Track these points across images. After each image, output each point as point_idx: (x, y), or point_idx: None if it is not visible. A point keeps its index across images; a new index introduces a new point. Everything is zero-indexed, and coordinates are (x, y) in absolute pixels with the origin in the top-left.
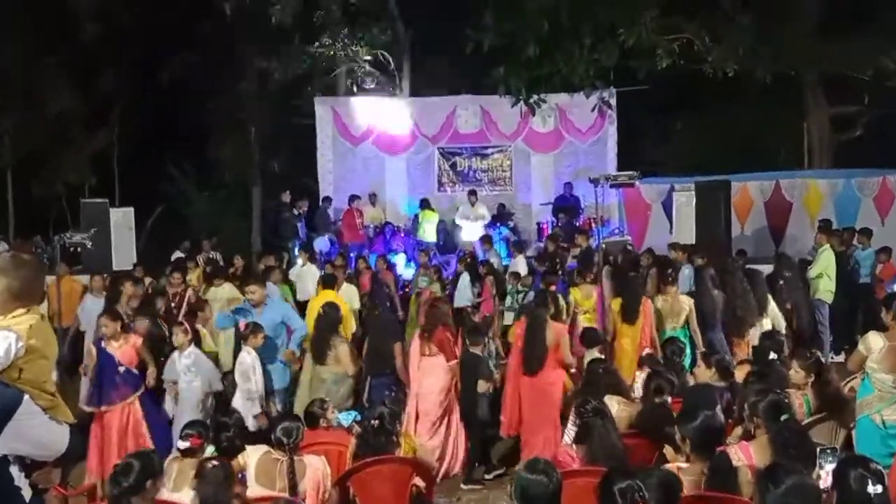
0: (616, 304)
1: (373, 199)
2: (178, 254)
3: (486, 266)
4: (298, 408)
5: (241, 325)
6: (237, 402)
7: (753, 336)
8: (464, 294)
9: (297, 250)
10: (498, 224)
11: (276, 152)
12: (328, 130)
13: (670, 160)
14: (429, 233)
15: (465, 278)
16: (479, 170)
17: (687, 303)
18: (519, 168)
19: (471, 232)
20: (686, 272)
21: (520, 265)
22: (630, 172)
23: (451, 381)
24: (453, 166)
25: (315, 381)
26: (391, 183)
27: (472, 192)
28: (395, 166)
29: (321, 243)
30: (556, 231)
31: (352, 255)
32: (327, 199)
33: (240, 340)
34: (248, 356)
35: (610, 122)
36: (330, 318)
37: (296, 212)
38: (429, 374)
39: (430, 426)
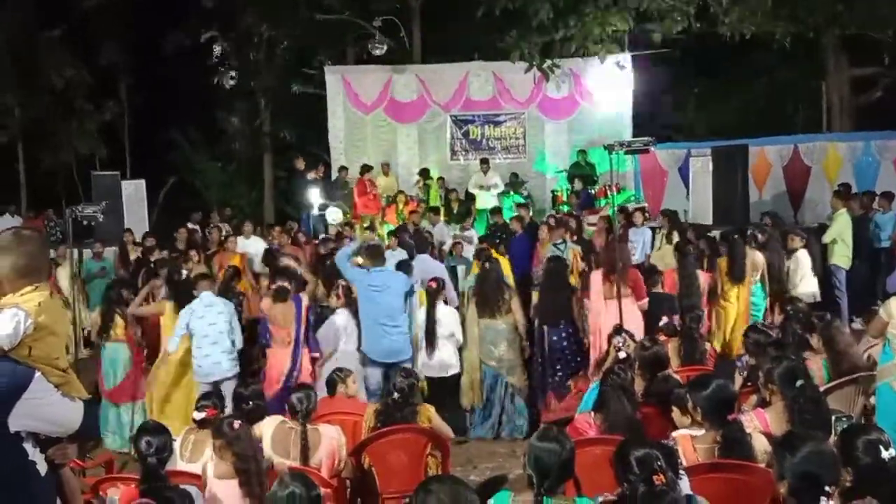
0: (722, 263)
1: (385, 168)
2: (189, 225)
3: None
4: (468, 366)
5: (432, 283)
6: (445, 354)
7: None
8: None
9: (309, 220)
10: (511, 192)
11: (286, 122)
12: (338, 99)
13: (687, 125)
14: (434, 200)
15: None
16: (492, 138)
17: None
18: (533, 135)
19: (485, 200)
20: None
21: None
22: (645, 138)
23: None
24: (466, 134)
25: (490, 332)
26: (403, 152)
27: (485, 161)
28: (408, 134)
29: (333, 213)
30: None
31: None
32: (344, 169)
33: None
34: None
35: (625, 89)
36: (495, 271)
37: (310, 177)
38: (624, 318)
39: None
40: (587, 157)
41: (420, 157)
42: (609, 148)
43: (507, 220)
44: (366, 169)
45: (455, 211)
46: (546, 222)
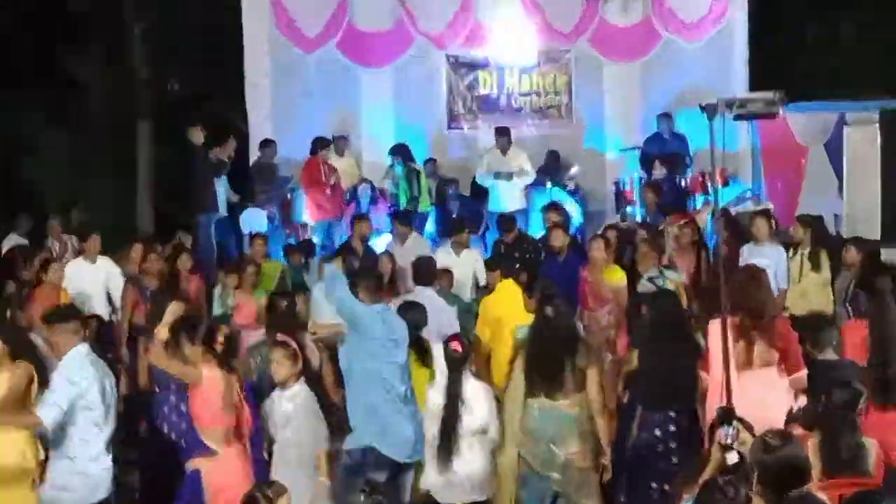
0: None
1: (340, 144)
2: (14, 238)
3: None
4: (507, 464)
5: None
6: (476, 462)
7: None
8: None
9: (212, 229)
10: (547, 183)
11: (175, 66)
12: (262, 28)
13: (836, 75)
14: (423, 202)
15: None
16: (515, 93)
17: None
18: (583, 89)
19: (506, 197)
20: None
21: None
22: (769, 94)
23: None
24: (472, 87)
25: (552, 422)
26: (370, 115)
27: (504, 132)
28: (377, 86)
29: (254, 219)
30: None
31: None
32: (267, 143)
33: None
34: None
35: (737, 10)
36: (565, 320)
37: (213, 157)
38: (759, 398)
39: None
40: (673, 125)
41: (397, 124)
42: (709, 110)
43: (542, 233)
44: (322, 144)
45: (454, 214)
46: (602, 236)
